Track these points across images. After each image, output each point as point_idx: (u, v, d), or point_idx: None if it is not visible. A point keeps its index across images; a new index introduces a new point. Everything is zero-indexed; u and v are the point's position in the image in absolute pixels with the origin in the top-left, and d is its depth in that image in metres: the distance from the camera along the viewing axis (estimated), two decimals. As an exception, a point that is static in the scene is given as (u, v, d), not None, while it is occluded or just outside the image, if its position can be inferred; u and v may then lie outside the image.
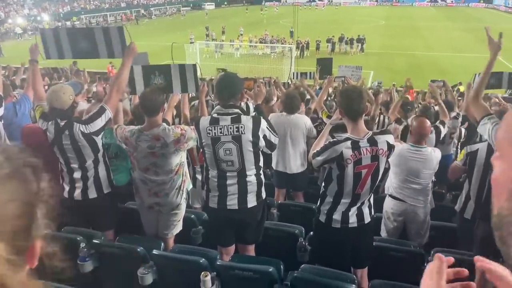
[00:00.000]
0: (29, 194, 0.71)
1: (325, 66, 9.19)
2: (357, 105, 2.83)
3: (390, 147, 2.89)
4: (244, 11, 57.91)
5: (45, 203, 0.75)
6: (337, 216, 2.99)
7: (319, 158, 2.93)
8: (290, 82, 13.63)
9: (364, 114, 2.93)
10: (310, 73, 10.18)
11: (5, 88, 3.83)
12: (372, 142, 2.83)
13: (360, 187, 2.89)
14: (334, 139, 2.94)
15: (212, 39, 31.35)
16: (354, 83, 7.38)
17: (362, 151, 2.80)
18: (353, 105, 2.83)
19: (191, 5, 67.06)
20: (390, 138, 2.92)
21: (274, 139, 3.14)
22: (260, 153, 3.14)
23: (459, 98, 8.55)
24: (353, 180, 2.86)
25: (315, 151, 3.02)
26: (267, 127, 3.07)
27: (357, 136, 2.85)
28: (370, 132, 2.88)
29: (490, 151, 3.37)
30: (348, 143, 2.82)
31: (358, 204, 2.99)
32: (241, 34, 30.50)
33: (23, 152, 0.76)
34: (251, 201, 3.12)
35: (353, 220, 3.00)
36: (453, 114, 5.96)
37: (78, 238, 3.06)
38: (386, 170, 3.64)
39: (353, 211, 2.99)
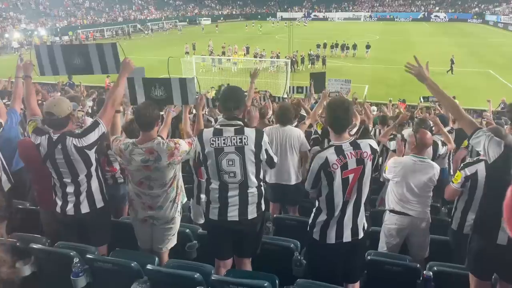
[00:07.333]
0: None
1: (318, 80, 9.26)
2: (342, 120, 2.87)
3: (374, 151, 2.89)
4: (243, 26, 58.42)
5: None
6: (331, 231, 2.95)
7: (309, 176, 2.96)
8: (286, 96, 13.69)
9: (348, 128, 2.97)
10: (306, 87, 10.24)
11: None
12: (355, 145, 2.86)
13: (348, 192, 2.88)
14: (317, 151, 3.01)
15: (213, 53, 30.68)
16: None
17: (346, 155, 2.82)
18: (338, 120, 2.88)
19: (188, 20, 67.64)
20: (372, 142, 2.95)
21: (274, 157, 3.20)
22: (261, 166, 3.15)
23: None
24: (341, 186, 2.85)
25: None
26: (268, 143, 3.13)
27: (339, 142, 2.88)
28: (352, 137, 2.93)
29: (489, 169, 3.10)
30: (332, 149, 2.86)
31: (351, 216, 2.94)
32: (229, 47, 30.44)
33: None
34: (252, 213, 3.12)
35: (347, 234, 2.96)
36: (448, 128, 6.03)
37: (71, 253, 3.01)
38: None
39: (347, 224, 2.95)
